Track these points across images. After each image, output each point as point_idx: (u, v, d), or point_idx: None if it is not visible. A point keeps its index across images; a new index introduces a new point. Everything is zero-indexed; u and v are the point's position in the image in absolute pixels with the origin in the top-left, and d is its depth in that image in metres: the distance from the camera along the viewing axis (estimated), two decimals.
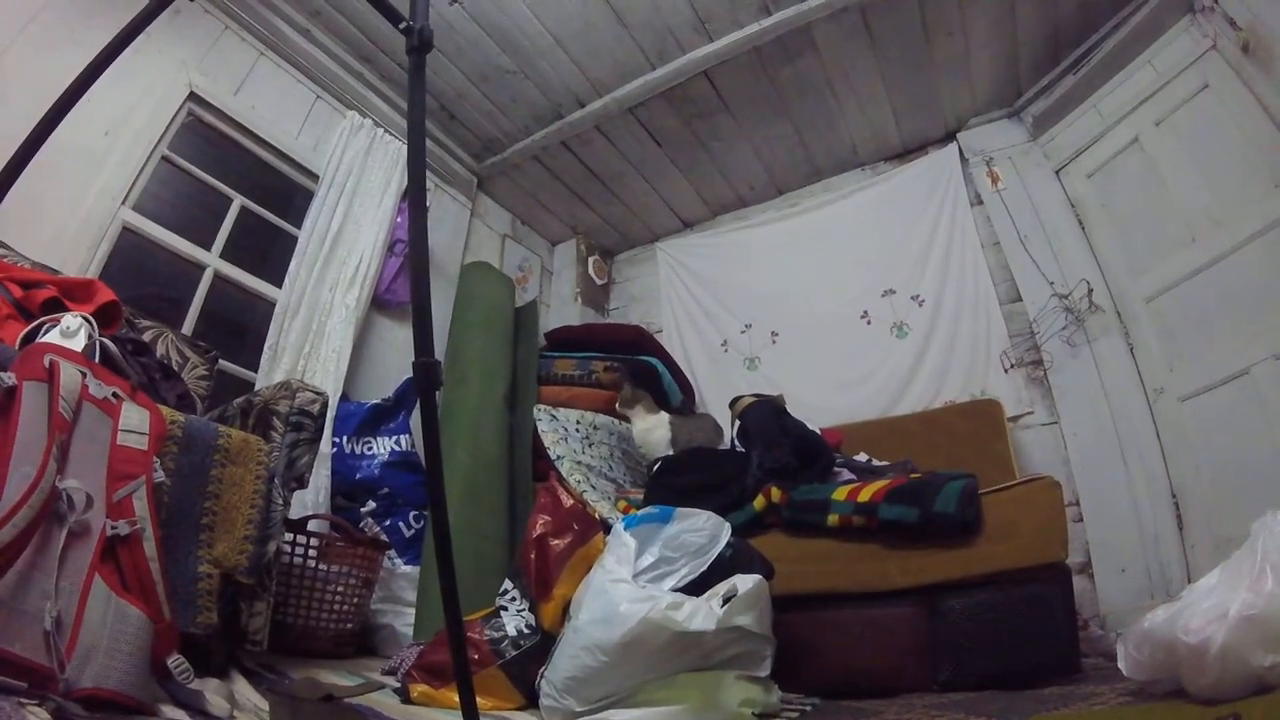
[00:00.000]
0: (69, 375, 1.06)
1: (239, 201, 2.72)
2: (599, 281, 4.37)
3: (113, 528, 0.99)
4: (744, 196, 4.12)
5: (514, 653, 1.66)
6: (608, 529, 1.86)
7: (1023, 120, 3.46)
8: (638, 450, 2.99)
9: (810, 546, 2.03)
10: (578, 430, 2.87)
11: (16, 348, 1.29)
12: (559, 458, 2.68)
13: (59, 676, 0.84)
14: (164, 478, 1.16)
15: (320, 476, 2.40)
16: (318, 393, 1.72)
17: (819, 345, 3.63)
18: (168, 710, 0.99)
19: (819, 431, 2.60)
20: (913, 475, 2.22)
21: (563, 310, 4.19)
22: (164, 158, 2.45)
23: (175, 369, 1.92)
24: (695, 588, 1.62)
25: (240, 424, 1.69)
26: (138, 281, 2.34)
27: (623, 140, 3.63)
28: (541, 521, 1.81)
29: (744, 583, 1.58)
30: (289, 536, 1.97)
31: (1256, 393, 2.52)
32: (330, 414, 2.52)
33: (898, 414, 3.24)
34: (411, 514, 2.61)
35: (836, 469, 2.44)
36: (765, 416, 2.48)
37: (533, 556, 1.76)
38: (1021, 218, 3.30)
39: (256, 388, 2.47)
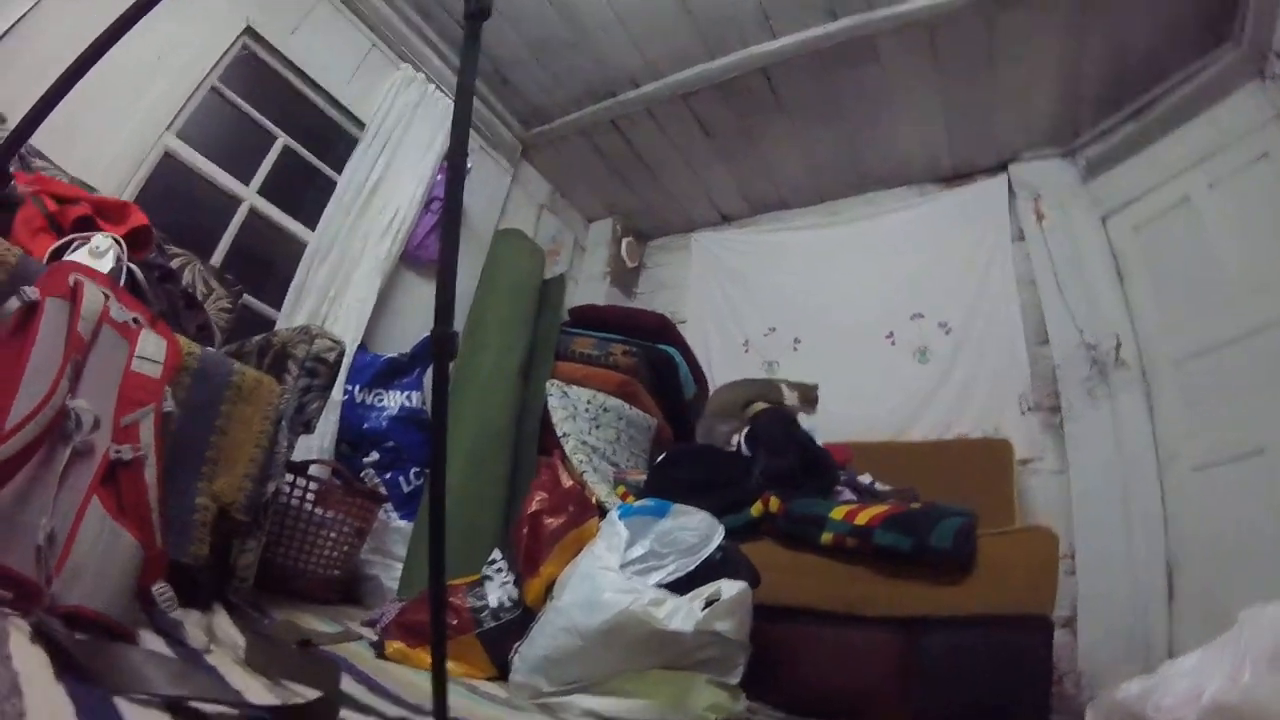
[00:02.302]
0: (92, 295, 1.08)
1: (282, 140, 2.75)
2: (630, 264, 4.37)
3: (116, 451, 1.01)
4: (786, 198, 4.10)
5: (493, 624, 1.68)
6: (604, 514, 1.87)
7: (1076, 162, 3.41)
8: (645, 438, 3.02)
9: (801, 560, 2.03)
10: (587, 410, 2.87)
11: (45, 261, 1.31)
12: (565, 435, 2.69)
13: (45, 591, 0.86)
14: (173, 408, 1.18)
15: (328, 422, 2.43)
16: (335, 341, 1.74)
17: (840, 358, 3.61)
18: (147, 635, 1.01)
19: (825, 447, 2.60)
20: (913, 505, 2.22)
21: (590, 287, 4.20)
22: (213, 89, 2.48)
23: (199, 299, 1.95)
24: (681, 585, 1.62)
25: (256, 362, 1.71)
26: (173, 208, 2.36)
27: (671, 126, 3.62)
28: (539, 498, 1.81)
29: (728, 588, 1.58)
30: (289, 478, 2.00)
31: (1269, 473, 2.48)
32: (346, 362, 2.55)
33: (909, 439, 3.23)
34: (413, 470, 2.64)
35: (839, 487, 2.43)
36: (775, 424, 2.48)
37: (525, 531, 1.77)
38: (1061, 260, 3.26)
39: (277, 327, 2.51)
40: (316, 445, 2.38)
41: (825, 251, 3.87)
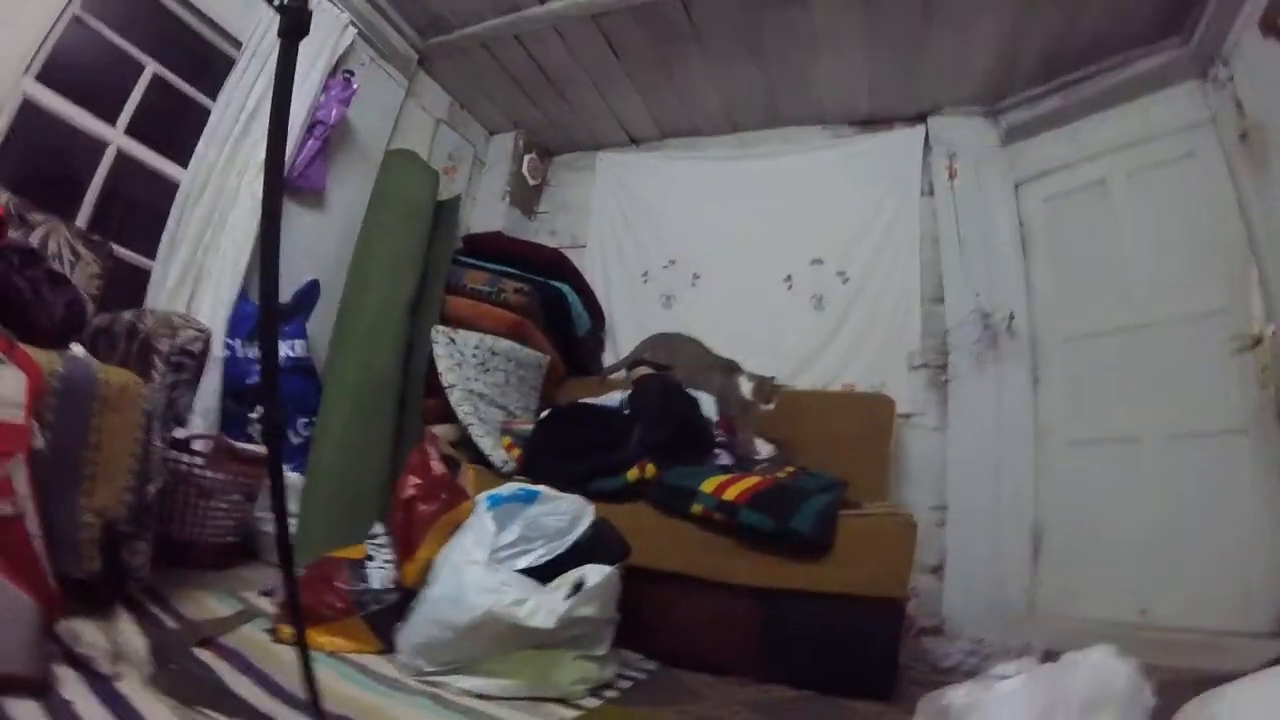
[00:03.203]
0: None
1: (152, 68, 2.64)
2: (532, 181, 4.40)
3: None
4: (698, 126, 4.16)
5: (375, 607, 1.86)
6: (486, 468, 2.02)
7: (998, 124, 3.55)
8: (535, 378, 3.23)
9: (672, 527, 2.26)
10: (475, 356, 2.98)
11: None
12: (450, 386, 2.82)
13: None
14: (43, 444, 1.28)
15: (211, 379, 2.48)
16: (200, 330, 1.83)
17: (737, 298, 3.79)
18: (61, 670, 1.17)
19: (714, 411, 2.84)
20: (784, 474, 2.49)
21: (489, 207, 4.23)
22: (75, 18, 2.35)
23: (65, 272, 1.98)
24: (551, 567, 1.82)
25: (125, 346, 1.80)
26: (35, 162, 2.31)
27: (580, 46, 3.60)
28: (412, 484, 1.97)
29: (593, 574, 1.79)
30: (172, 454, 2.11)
31: (1141, 463, 2.83)
32: (225, 315, 2.61)
33: (797, 386, 3.42)
34: (301, 421, 2.76)
35: (717, 450, 2.68)
36: (655, 393, 2.69)
37: (400, 516, 1.95)
38: (967, 221, 3.46)
39: (153, 278, 2.53)
40: (200, 406, 2.46)
41: (733, 185, 3.98)
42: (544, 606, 1.69)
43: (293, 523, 2.56)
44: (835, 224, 3.71)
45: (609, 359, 3.94)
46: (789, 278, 3.72)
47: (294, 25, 1.00)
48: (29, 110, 2.27)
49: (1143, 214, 3.04)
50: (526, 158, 4.35)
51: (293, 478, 2.66)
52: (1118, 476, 2.90)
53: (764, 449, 2.81)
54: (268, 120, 2.65)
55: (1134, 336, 2.97)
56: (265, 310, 0.92)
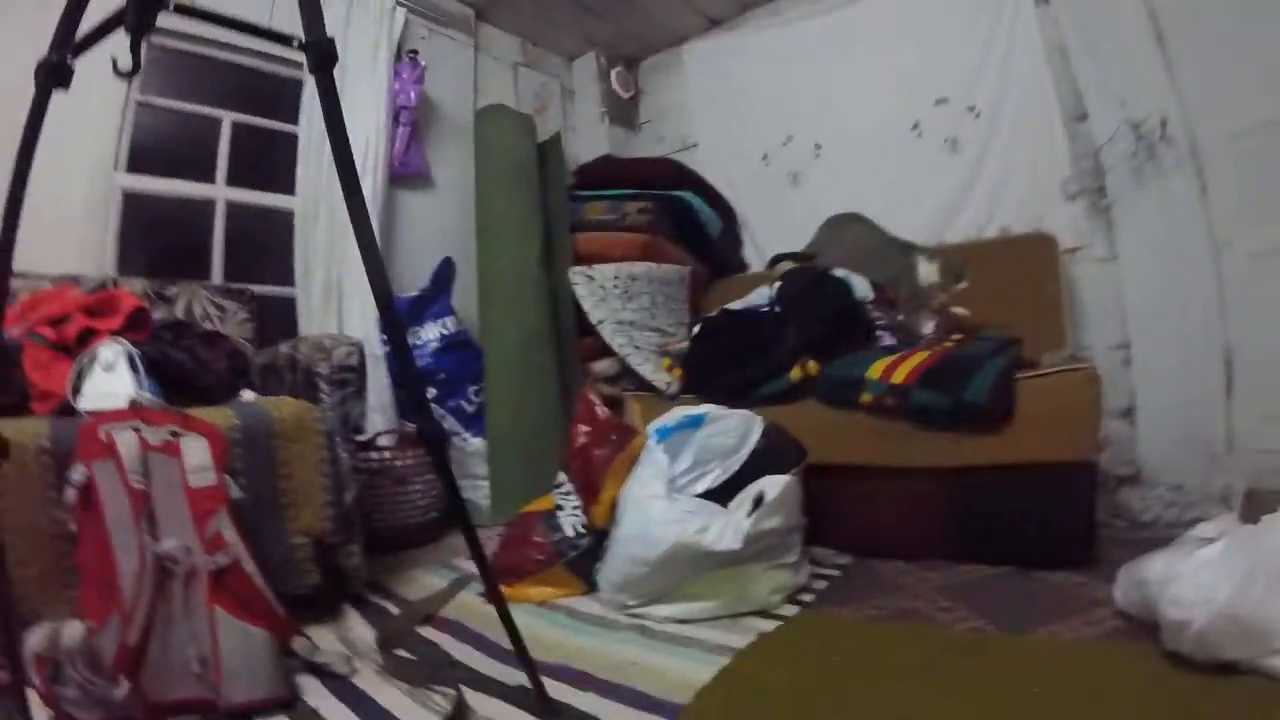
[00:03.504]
0: (126, 442, 1.30)
1: (229, 119, 2.81)
2: (625, 95, 4.32)
3: (214, 563, 1.28)
4: None
5: (572, 553, 1.99)
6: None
7: None
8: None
9: (843, 419, 2.26)
10: (615, 286, 3.05)
11: (69, 392, 1.59)
12: (600, 321, 2.93)
13: (218, 701, 1.18)
14: (239, 493, 1.44)
15: (378, 378, 2.67)
16: (352, 344, 1.98)
17: (866, 160, 3.60)
18: (304, 680, 1.37)
19: (868, 290, 2.74)
20: (953, 341, 2.41)
21: (591, 133, 4.21)
22: (139, 104, 2.52)
23: (215, 329, 2.19)
24: (729, 486, 1.89)
25: (291, 376, 1.98)
26: (155, 243, 2.52)
27: None
28: (582, 432, 2.08)
29: (772, 487, 1.84)
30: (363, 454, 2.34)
31: None
32: (373, 328, 2.80)
33: (949, 241, 3.28)
34: (471, 389, 2.97)
35: (879, 333, 2.62)
36: (803, 287, 2.66)
37: (577, 464, 2.07)
38: (1094, 21, 3.09)
39: (298, 304, 2.74)
40: (375, 402, 2.66)
41: (831, 42, 3.74)
42: (728, 528, 1.76)
43: (485, 485, 2.79)
44: (950, 55, 3.43)
45: (749, 253, 3.90)
46: (916, 125, 3.50)
47: (322, 59, 1.05)
48: (132, 201, 2.49)
49: None
50: (613, 72, 4.26)
51: (475, 443, 2.89)
52: None
53: (928, 325, 2.70)
54: (352, 125, 2.73)
55: None
56: (392, 336, 1.00)
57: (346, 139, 1.06)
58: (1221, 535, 1.39)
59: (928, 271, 2.53)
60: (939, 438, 2.10)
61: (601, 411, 2.13)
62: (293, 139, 2.93)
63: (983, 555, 2.06)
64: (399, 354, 1.26)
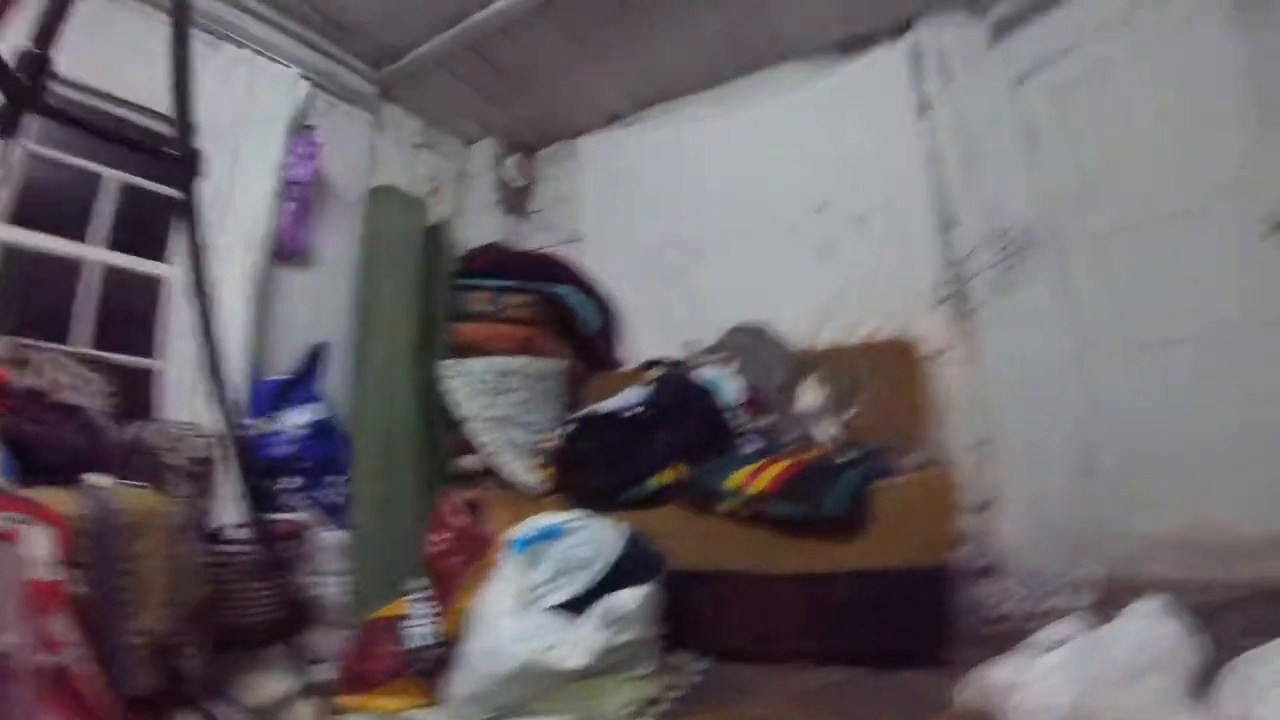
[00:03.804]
0: None
1: (115, 177, 2.74)
2: (519, 183, 4.43)
3: (50, 662, 1.26)
4: (672, 89, 4.12)
5: (423, 663, 2.01)
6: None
7: (985, 20, 3.41)
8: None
9: (708, 524, 2.36)
10: (488, 381, 3.11)
11: None
12: (469, 418, 2.97)
13: None
14: (84, 588, 1.44)
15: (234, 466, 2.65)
16: (206, 435, 1.98)
17: (745, 260, 3.77)
18: None
19: (734, 393, 2.90)
20: (812, 455, 2.54)
21: (482, 219, 4.28)
22: (30, 154, 2.47)
23: (74, 399, 2.15)
24: (587, 597, 1.94)
25: (145, 460, 1.97)
26: (27, 301, 2.44)
27: (534, 40, 3.59)
28: (438, 539, 2.12)
29: (627, 600, 1.92)
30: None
31: (1186, 365, 2.76)
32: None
33: (819, 344, 3.43)
34: (335, 481, 2.89)
35: (743, 436, 2.77)
36: (673, 394, 2.80)
37: (433, 572, 2.10)
38: (967, 133, 3.37)
39: (164, 378, 2.71)
40: (228, 490, 2.62)
41: (720, 143, 3.95)
42: (578, 645, 1.81)
43: (344, 581, 2.76)
44: (831, 164, 3.66)
45: (628, 348, 3.99)
46: (795, 229, 3.70)
47: (188, 173, 1.14)
48: (12, 255, 2.41)
49: (1150, 90, 2.93)
50: (509, 160, 4.38)
51: (337, 536, 2.83)
52: (1164, 383, 2.82)
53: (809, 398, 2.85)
54: (242, 196, 2.72)
55: (1162, 227, 2.87)
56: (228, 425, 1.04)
57: (203, 260, 1.12)
58: (1068, 638, 1.49)
59: (821, 393, 2.69)
60: (800, 544, 2.22)
61: (459, 520, 2.17)
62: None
63: (844, 656, 2.15)
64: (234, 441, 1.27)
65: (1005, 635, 2.10)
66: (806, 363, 2.94)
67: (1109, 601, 2.39)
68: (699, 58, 3.89)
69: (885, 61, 3.64)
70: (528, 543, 2.05)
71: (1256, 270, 2.63)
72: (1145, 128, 2.94)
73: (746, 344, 3.14)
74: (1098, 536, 2.90)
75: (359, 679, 2.01)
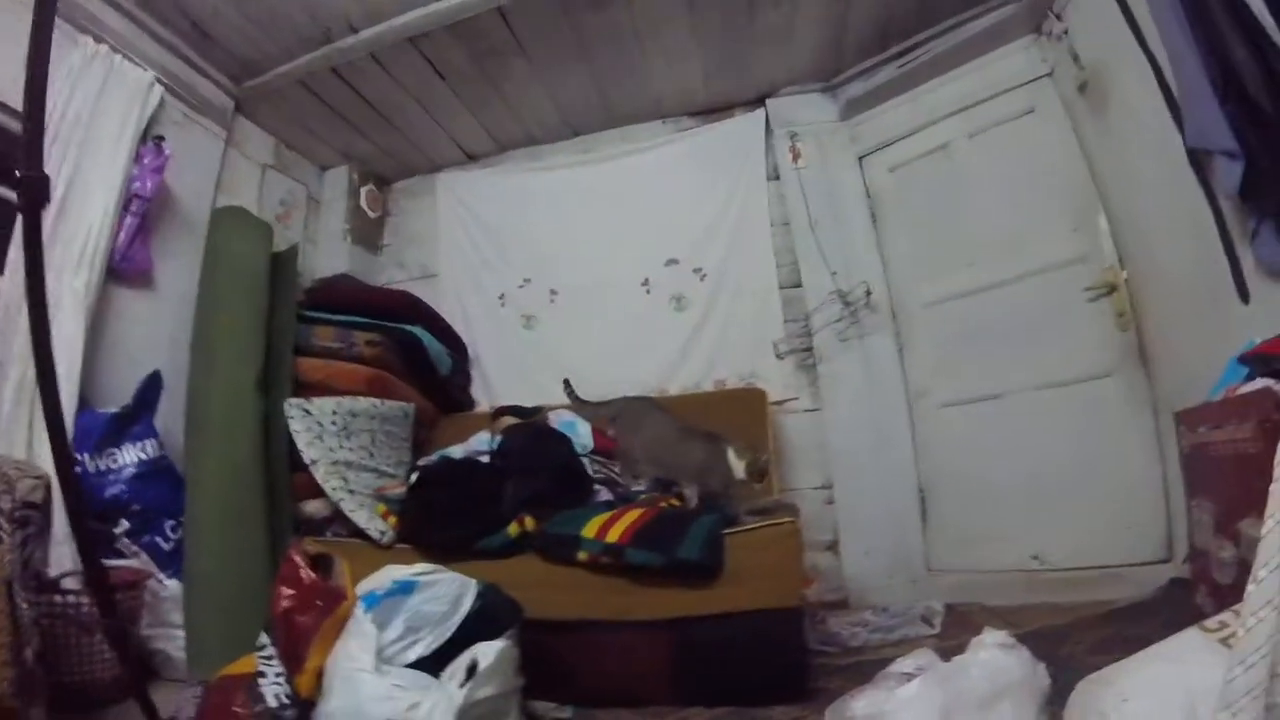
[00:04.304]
0: None
1: None
2: (372, 215, 4.32)
3: None
4: (535, 135, 4.19)
5: None
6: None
7: (836, 99, 3.73)
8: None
9: (564, 574, 2.36)
10: (334, 424, 2.97)
11: None
12: (313, 462, 2.81)
13: None
14: None
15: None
16: (38, 476, 1.82)
17: (598, 309, 3.87)
18: None
19: (589, 438, 2.95)
20: (667, 504, 2.62)
21: (331, 248, 4.14)
22: None
23: None
24: (443, 654, 1.89)
25: None
26: None
27: (401, 72, 3.56)
28: (286, 595, 1.96)
29: (485, 654, 1.88)
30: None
31: (1012, 416, 3.10)
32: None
33: (669, 393, 3.59)
34: (168, 525, 2.68)
35: (597, 486, 2.79)
36: (525, 443, 2.77)
37: (281, 630, 1.99)
38: (816, 200, 3.62)
39: None
40: (62, 533, 2.39)
41: (579, 192, 4.03)
42: (439, 703, 1.78)
43: (181, 635, 2.58)
44: (685, 220, 3.82)
45: (479, 390, 3.99)
46: (646, 281, 3.83)
47: (33, 199, 1.05)
48: None
49: (988, 173, 3.26)
50: (363, 190, 4.26)
51: (173, 586, 2.61)
52: (992, 431, 3.16)
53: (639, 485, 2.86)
54: (79, 208, 2.49)
55: (991, 295, 3.21)
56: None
57: (44, 294, 1.06)
58: (919, 669, 1.56)
59: (737, 467, 2.58)
60: (657, 591, 2.26)
61: (305, 575, 2.06)
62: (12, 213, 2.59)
63: (706, 697, 2.21)
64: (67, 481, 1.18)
65: (861, 666, 2.29)
66: (717, 437, 2.76)
67: (956, 630, 2.65)
68: (566, 108, 3.97)
69: (742, 129, 3.87)
70: (379, 599, 1.96)
71: (1080, 331, 2.97)
72: (979, 206, 3.25)
73: (637, 409, 3.01)
74: (938, 571, 3.20)
75: None
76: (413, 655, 1.90)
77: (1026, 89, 3.18)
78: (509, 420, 2.98)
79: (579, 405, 3.13)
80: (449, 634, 1.94)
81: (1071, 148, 3.03)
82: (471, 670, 1.86)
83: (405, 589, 1.99)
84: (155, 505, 2.69)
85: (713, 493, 2.61)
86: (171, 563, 2.67)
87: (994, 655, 1.50)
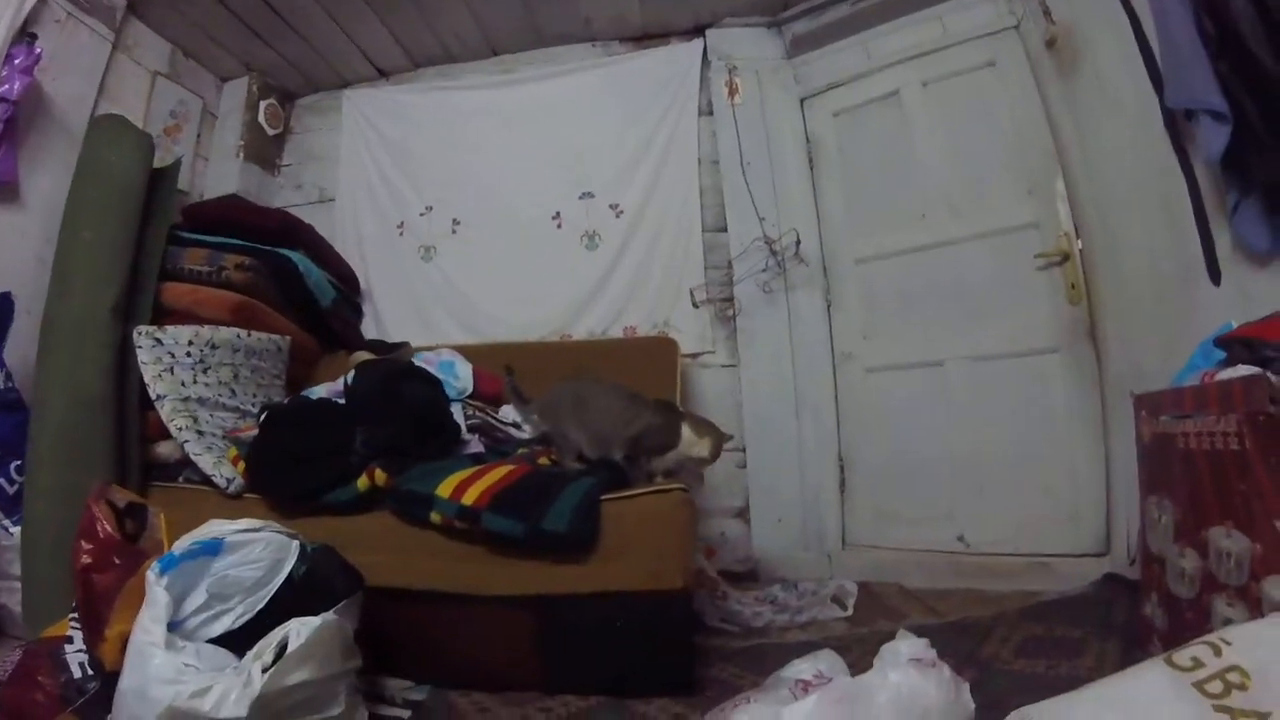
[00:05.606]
0: None
1: None
2: (271, 131, 3.95)
3: None
4: (453, 52, 3.85)
5: (79, 699, 1.64)
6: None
7: (782, 35, 3.44)
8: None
9: (420, 537, 2.07)
10: (189, 355, 2.67)
11: None
12: (159, 397, 2.53)
13: None
14: None
15: None
16: None
17: (502, 243, 3.60)
18: None
19: (469, 381, 2.70)
20: (541, 464, 2.36)
21: (222, 168, 3.77)
22: None
23: None
24: (256, 627, 1.65)
25: None
26: None
27: None
28: (84, 550, 1.74)
29: (298, 632, 1.63)
30: None
31: (946, 387, 2.89)
32: None
33: (574, 337, 3.35)
34: (14, 466, 2.43)
35: (467, 436, 2.50)
36: (374, 386, 2.44)
37: (80, 591, 1.74)
38: (750, 141, 3.34)
39: None
40: None
41: (494, 116, 3.72)
42: (234, 690, 1.54)
43: (18, 587, 2.32)
44: (606, 152, 3.54)
45: (372, 326, 3.70)
46: (558, 215, 3.56)
47: None
48: None
49: (940, 126, 3.03)
50: (263, 104, 3.88)
51: (17, 534, 2.36)
52: (923, 401, 2.96)
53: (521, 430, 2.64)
54: None
55: (933, 255, 2.98)
56: None
57: None
58: (818, 679, 1.36)
59: (699, 446, 2.35)
60: (520, 564, 1.97)
61: (103, 528, 1.80)
62: None
63: (579, 685, 1.96)
64: None
65: (761, 651, 2.16)
66: (671, 407, 2.52)
67: (870, 613, 2.50)
68: (488, 23, 3.65)
69: (677, 58, 3.57)
70: (177, 560, 1.68)
71: (1027, 301, 2.78)
72: (927, 161, 3.01)
73: (580, 392, 2.56)
74: (854, 547, 3.01)
75: (19, 713, 1.63)
76: (219, 628, 1.68)
77: (988, 40, 2.94)
78: (363, 356, 2.65)
79: (522, 405, 2.69)
80: (263, 604, 1.71)
81: (1033, 106, 2.81)
82: (282, 650, 1.60)
83: (210, 549, 1.72)
84: (2, 443, 2.43)
85: (670, 470, 2.35)
86: (17, 508, 2.41)
87: (906, 677, 1.24)
